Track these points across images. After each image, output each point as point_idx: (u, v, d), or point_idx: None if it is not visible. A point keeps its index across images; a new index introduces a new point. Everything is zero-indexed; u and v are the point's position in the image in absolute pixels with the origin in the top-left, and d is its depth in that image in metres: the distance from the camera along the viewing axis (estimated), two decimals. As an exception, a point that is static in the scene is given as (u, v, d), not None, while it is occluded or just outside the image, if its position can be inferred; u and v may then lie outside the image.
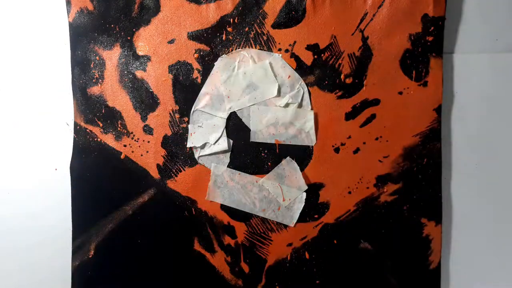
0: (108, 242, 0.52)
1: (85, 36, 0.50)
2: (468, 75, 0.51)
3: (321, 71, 0.50)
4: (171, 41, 0.50)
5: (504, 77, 0.51)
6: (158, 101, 0.51)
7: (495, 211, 0.52)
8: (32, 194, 0.53)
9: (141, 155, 0.51)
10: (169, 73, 0.51)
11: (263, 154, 0.51)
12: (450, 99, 0.51)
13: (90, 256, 0.52)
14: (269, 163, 0.51)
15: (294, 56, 0.50)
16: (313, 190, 0.51)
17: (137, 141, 0.51)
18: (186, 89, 0.51)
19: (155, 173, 0.51)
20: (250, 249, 0.52)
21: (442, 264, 0.51)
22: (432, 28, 0.49)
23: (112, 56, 0.51)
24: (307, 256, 0.51)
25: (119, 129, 0.51)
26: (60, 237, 0.52)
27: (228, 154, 0.51)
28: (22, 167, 0.53)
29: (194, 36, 0.50)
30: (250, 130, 0.51)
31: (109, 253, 0.52)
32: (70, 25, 0.50)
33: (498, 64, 0.51)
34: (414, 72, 0.49)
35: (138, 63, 0.51)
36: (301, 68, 0.50)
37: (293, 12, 0.49)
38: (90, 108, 0.51)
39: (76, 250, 0.52)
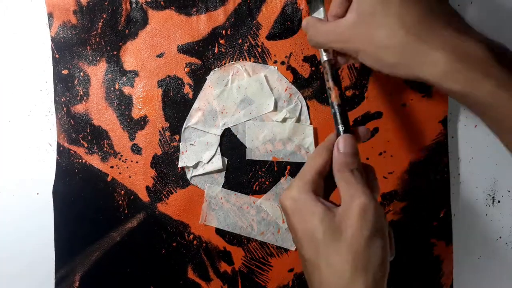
0: (95, 272, 0.49)
1: (69, 51, 0.48)
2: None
3: (319, 83, 0.48)
4: (160, 55, 0.48)
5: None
6: (147, 118, 0.48)
7: (510, 229, 0.49)
8: (12, 221, 0.50)
9: (129, 176, 0.48)
10: (158, 88, 0.48)
11: (260, 173, 0.48)
12: (456, 110, 0.49)
13: (75, 288, 0.49)
14: (267, 183, 0.48)
15: (290, 68, 0.48)
16: (314, 210, 0.48)
17: (124, 162, 0.48)
18: (177, 105, 0.48)
19: (144, 196, 0.48)
20: (248, 276, 0.49)
21: (455, 287, 0.49)
22: (434, 36, 0.47)
23: (97, 72, 0.48)
24: (310, 282, 0.48)
25: (105, 149, 0.48)
26: (42, 268, 0.49)
27: (223, 174, 0.48)
28: (0, 192, 0.50)
29: (185, 49, 0.48)
30: (245, 147, 0.48)
31: (96, 284, 0.49)
32: (53, 39, 0.48)
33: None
34: (417, 82, 0.47)
35: (125, 79, 0.48)
36: (298, 81, 0.48)
37: (288, 23, 0.48)
38: (74, 128, 0.48)
39: (60, 281, 0.49)
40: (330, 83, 0.37)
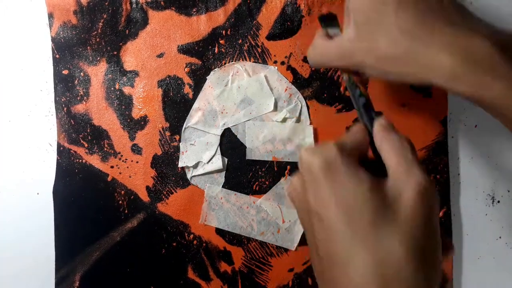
0: (95, 272, 0.48)
1: (69, 51, 0.48)
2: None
3: (319, 83, 0.48)
4: (160, 55, 0.48)
5: None
6: (147, 118, 0.48)
7: (510, 229, 0.49)
8: (12, 221, 0.49)
9: (130, 176, 0.48)
10: (158, 88, 0.48)
11: (260, 173, 0.48)
12: (456, 110, 0.49)
13: (75, 288, 0.48)
14: (267, 183, 0.48)
15: (290, 68, 0.48)
16: (314, 210, 0.48)
17: (125, 162, 0.48)
18: (177, 105, 0.48)
19: (144, 196, 0.48)
20: (248, 276, 0.48)
21: (455, 287, 0.48)
22: (434, 36, 0.47)
23: (97, 72, 0.48)
24: (309, 282, 0.48)
25: (105, 149, 0.48)
26: (42, 268, 0.49)
27: (223, 174, 0.48)
28: (0, 192, 0.49)
29: (185, 50, 0.48)
30: (245, 147, 0.48)
31: (96, 284, 0.48)
32: (53, 39, 0.48)
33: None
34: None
35: (125, 79, 0.48)
36: (298, 81, 0.48)
37: (289, 23, 0.47)
38: (74, 128, 0.48)
39: (60, 281, 0.48)
40: (356, 79, 0.35)
